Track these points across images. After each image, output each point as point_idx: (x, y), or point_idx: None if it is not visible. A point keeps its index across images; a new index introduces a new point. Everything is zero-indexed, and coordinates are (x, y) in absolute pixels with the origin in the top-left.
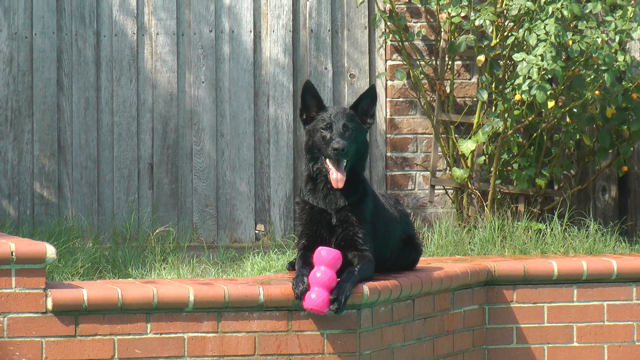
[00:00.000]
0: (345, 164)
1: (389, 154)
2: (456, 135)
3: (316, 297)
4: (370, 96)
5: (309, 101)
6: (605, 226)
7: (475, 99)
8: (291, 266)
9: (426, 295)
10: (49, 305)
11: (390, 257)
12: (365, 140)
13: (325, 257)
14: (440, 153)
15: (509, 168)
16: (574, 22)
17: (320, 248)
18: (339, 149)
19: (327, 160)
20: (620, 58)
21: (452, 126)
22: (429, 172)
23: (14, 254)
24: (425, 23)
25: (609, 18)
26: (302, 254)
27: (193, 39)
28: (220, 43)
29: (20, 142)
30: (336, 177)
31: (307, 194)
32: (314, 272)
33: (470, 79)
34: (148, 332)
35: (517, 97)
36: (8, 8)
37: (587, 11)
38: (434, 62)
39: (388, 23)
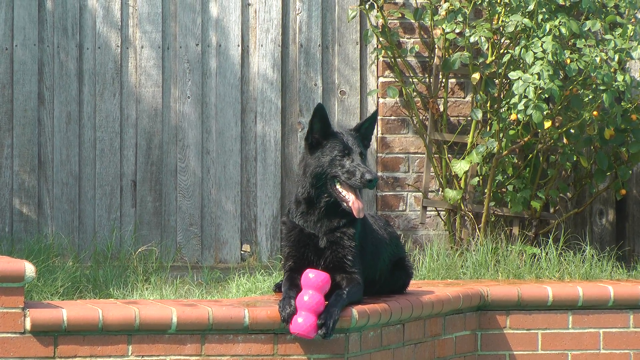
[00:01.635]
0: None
1: (379, 173)
2: (449, 155)
3: (303, 322)
4: (372, 121)
5: (316, 124)
6: (602, 251)
7: (469, 118)
8: (278, 288)
9: (417, 320)
10: (28, 326)
11: (380, 280)
12: None
13: (314, 280)
14: (433, 173)
15: (504, 190)
16: (572, 40)
17: (308, 270)
18: (374, 180)
19: (340, 187)
20: (620, 78)
21: (445, 146)
22: (420, 193)
23: None
24: (418, 39)
25: (608, 36)
26: (289, 276)
27: (179, 53)
28: (207, 57)
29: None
30: (358, 207)
31: (297, 216)
32: (302, 296)
33: (464, 98)
34: (129, 354)
35: (513, 116)
36: None
37: (586, 29)
38: (427, 80)
39: (380, 39)
